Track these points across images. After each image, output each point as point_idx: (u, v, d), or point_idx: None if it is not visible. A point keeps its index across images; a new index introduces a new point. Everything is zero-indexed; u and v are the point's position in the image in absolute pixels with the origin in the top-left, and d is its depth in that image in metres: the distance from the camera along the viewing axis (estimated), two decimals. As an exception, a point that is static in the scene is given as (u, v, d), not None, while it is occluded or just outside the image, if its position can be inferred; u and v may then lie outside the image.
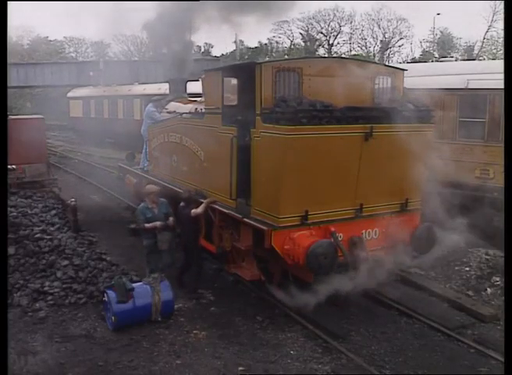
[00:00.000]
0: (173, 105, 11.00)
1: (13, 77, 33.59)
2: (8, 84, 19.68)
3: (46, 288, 7.85)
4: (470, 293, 8.30)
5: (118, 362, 6.26)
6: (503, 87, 4.90)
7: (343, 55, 48.31)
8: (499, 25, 41.11)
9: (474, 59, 34.63)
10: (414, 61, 43.08)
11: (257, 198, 7.35)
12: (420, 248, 7.59)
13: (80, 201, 11.77)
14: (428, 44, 51.23)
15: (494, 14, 43.65)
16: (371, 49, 55.11)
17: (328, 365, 6.33)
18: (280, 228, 6.92)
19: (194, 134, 8.91)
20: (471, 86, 10.53)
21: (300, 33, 55.75)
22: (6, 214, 8.01)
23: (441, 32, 50.54)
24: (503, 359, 5.69)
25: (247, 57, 48.96)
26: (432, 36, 50.44)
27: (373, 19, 53.68)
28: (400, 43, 53.89)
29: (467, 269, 8.86)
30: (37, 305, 7.58)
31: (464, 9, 61.91)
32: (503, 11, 20.19)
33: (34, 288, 7.82)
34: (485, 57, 40.88)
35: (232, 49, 51.36)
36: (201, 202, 8.11)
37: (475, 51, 45.70)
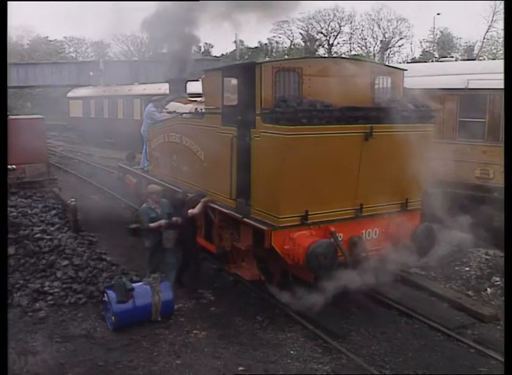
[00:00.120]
0: (173, 105, 11.00)
1: (13, 77, 33.63)
2: (8, 84, 19.67)
3: (46, 288, 7.85)
4: (470, 293, 8.30)
5: (118, 362, 6.26)
6: (503, 87, 4.90)
7: (343, 55, 48.32)
8: (499, 25, 41.13)
9: (474, 59, 34.59)
10: (414, 61, 43.12)
11: (257, 198, 7.35)
12: (420, 248, 7.58)
13: (79, 201, 11.76)
14: (428, 44, 51.27)
15: (494, 14, 43.67)
16: (371, 49, 55.13)
17: (328, 365, 6.32)
18: (280, 228, 6.92)
19: (194, 134, 8.92)
20: (471, 86, 10.52)
21: (300, 33, 55.79)
22: (6, 214, 8.01)
23: (441, 32, 50.55)
24: (503, 359, 5.69)
25: (247, 57, 48.94)
26: (432, 36, 50.50)
27: (373, 19, 53.71)
28: (400, 43, 53.92)
29: (467, 269, 8.86)
30: (37, 305, 7.58)
31: (464, 9, 62.00)
32: (503, 11, 20.20)
33: (34, 288, 7.82)
34: (485, 57, 40.86)
35: (232, 49, 51.48)
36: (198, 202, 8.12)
37: (475, 51, 45.68)
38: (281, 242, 6.94)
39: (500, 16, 41.19)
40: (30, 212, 10.47)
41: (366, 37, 55.16)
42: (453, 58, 25.99)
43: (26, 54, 50.37)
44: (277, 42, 57.37)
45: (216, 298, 8.19)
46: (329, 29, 55.14)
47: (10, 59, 20.24)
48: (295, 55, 44.68)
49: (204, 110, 8.69)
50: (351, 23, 54.75)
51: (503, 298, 6.71)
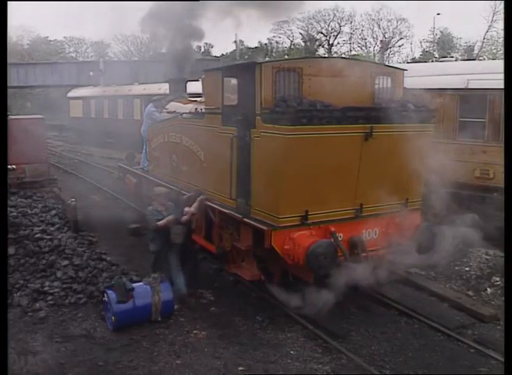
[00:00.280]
0: (173, 105, 11.00)
1: (13, 77, 33.67)
2: (8, 84, 19.68)
3: (46, 288, 7.85)
4: (470, 293, 8.30)
5: (118, 362, 6.26)
6: (502, 87, 4.90)
7: (343, 55, 48.32)
8: (499, 25, 41.10)
9: (474, 59, 34.59)
10: (414, 61, 43.11)
11: (257, 198, 7.34)
12: (420, 247, 7.58)
13: (79, 201, 11.76)
14: (428, 44, 51.25)
15: (494, 14, 43.64)
16: (371, 49, 55.13)
17: (328, 365, 6.32)
18: (280, 228, 6.92)
19: (194, 134, 8.92)
20: (471, 86, 10.52)
21: (300, 33, 55.78)
22: (6, 214, 8.01)
23: (441, 32, 50.53)
24: (503, 359, 5.69)
25: (247, 57, 48.92)
26: (432, 36, 50.49)
27: (373, 19, 53.70)
28: (400, 43, 53.92)
29: (467, 269, 8.86)
30: (37, 305, 7.57)
31: (464, 9, 61.99)
32: (503, 11, 20.20)
33: (34, 288, 7.82)
34: (485, 57, 40.83)
35: (232, 49, 51.50)
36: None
37: (475, 51, 45.67)
38: (281, 242, 6.94)
39: (500, 16, 41.19)
40: (30, 212, 10.47)
41: (366, 37, 55.25)
42: (453, 58, 25.97)
43: (26, 54, 50.38)
44: (277, 42, 57.45)
45: (216, 298, 8.19)
46: (329, 29, 55.18)
47: (10, 59, 20.24)
48: (295, 55, 44.67)
49: (204, 110, 8.69)
50: (351, 23, 54.83)
51: (503, 298, 6.71)
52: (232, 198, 7.76)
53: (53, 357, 6.32)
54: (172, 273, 7.72)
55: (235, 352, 6.58)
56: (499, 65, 6.55)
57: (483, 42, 45.52)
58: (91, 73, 34.66)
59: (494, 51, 41.47)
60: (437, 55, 42.68)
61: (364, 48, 55.49)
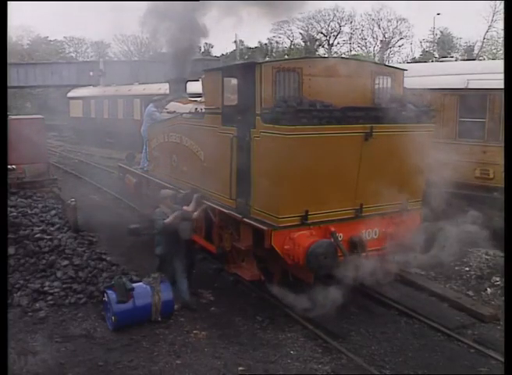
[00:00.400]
0: (173, 105, 11.01)
1: (13, 77, 33.67)
2: (8, 84, 19.67)
3: (46, 288, 7.86)
4: (470, 293, 8.30)
5: (118, 362, 6.26)
6: (503, 87, 4.90)
7: (343, 55, 48.31)
8: (499, 25, 41.12)
9: (474, 59, 34.61)
10: (414, 61, 43.12)
11: (257, 198, 7.34)
12: (420, 247, 7.58)
13: (79, 201, 11.75)
14: (428, 44, 51.24)
15: (494, 14, 43.65)
16: (371, 49, 55.13)
17: (328, 365, 6.32)
18: (280, 228, 6.92)
19: (194, 134, 8.92)
20: (471, 86, 10.52)
21: (300, 33, 55.77)
22: (6, 214, 8.01)
23: (441, 32, 50.51)
24: (503, 359, 5.69)
25: (247, 57, 48.92)
26: (432, 36, 50.48)
27: (373, 19, 53.70)
28: (400, 43, 53.91)
29: (467, 269, 8.86)
30: (37, 305, 7.58)
31: (464, 9, 62.00)
32: (503, 11, 20.19)
33: (34, 288, 7.82)
34: (485, 57, 40.85)
35: (232, 49, 51.49)
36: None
37: (475, 51, 45.68)
38: (281, 242, 6.94)
39: (500, 16, 41.20)
40: (30, 212, 10.46)
41: (366, 37, 55.25)
42: (453, 58, 25.99)
43: (26, 54, 50.37)
44: (277, 42, 57.41)
45: (216, 298, 8.19)
46: (329, 29, 55.18)
47: (10, 59, 20.25)
48: (295, 55, 44.66)
49: (204, 110, 8.69)
50: (351, 23, 54.84)
51: (503, 298, 6.71)
52: (232, 198, 7.75)
53: (53, 357, 6.32)
54: (176, 279, 7.71)
55: (235, 352, 6.58)
56: (499, 65, 6.55)
57: (483, 42, 45.56)
58: (91, 73, 34.67)
59: (494, 51, 41.51)
60: (437, 55, 42.70)
61: (364, 48, 55.56)
